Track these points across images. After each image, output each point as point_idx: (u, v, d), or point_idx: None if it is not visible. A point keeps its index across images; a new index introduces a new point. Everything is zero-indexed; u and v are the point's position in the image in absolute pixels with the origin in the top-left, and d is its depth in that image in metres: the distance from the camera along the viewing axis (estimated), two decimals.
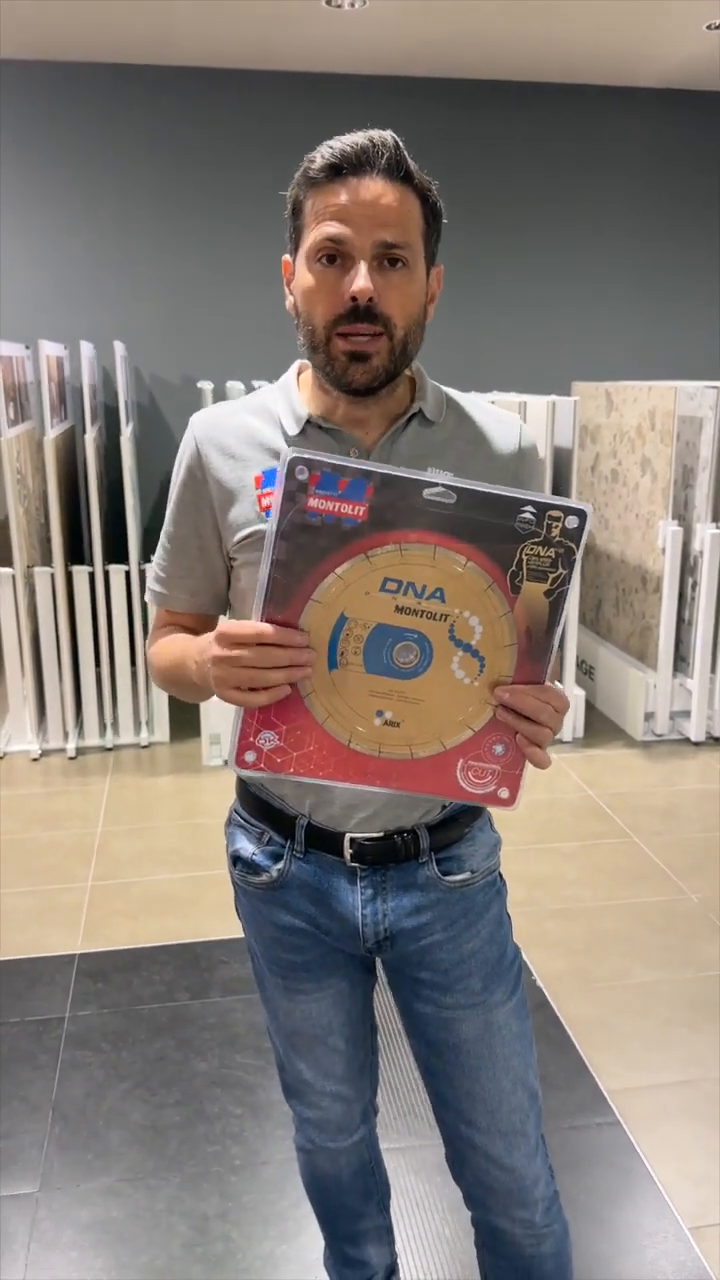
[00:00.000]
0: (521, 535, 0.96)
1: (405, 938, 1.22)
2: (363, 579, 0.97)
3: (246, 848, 1.26)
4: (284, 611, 0.98)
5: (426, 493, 0.95)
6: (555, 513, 0.95)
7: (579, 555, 0.97)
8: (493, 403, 1.23)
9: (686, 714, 4.19)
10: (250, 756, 1.01)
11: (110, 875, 3.10)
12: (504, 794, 1.04)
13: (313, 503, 0.95)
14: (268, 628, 0.97)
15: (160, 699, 4.15)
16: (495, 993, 1.23)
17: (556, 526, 0.96)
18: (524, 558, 0.97)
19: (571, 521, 0.96)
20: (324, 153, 1.03)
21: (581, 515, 0.96)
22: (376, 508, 0.96)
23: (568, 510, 0.96)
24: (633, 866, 3.14)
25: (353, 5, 3.97)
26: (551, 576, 0.98)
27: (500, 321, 5.20)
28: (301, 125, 4.80)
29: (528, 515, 0.96)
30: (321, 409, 1.14)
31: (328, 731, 1.01)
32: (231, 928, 2.76)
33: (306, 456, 0.95)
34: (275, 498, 0.95)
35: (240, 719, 1.01)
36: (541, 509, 0.95)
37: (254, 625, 0.97)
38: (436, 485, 0.95)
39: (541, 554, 0.97)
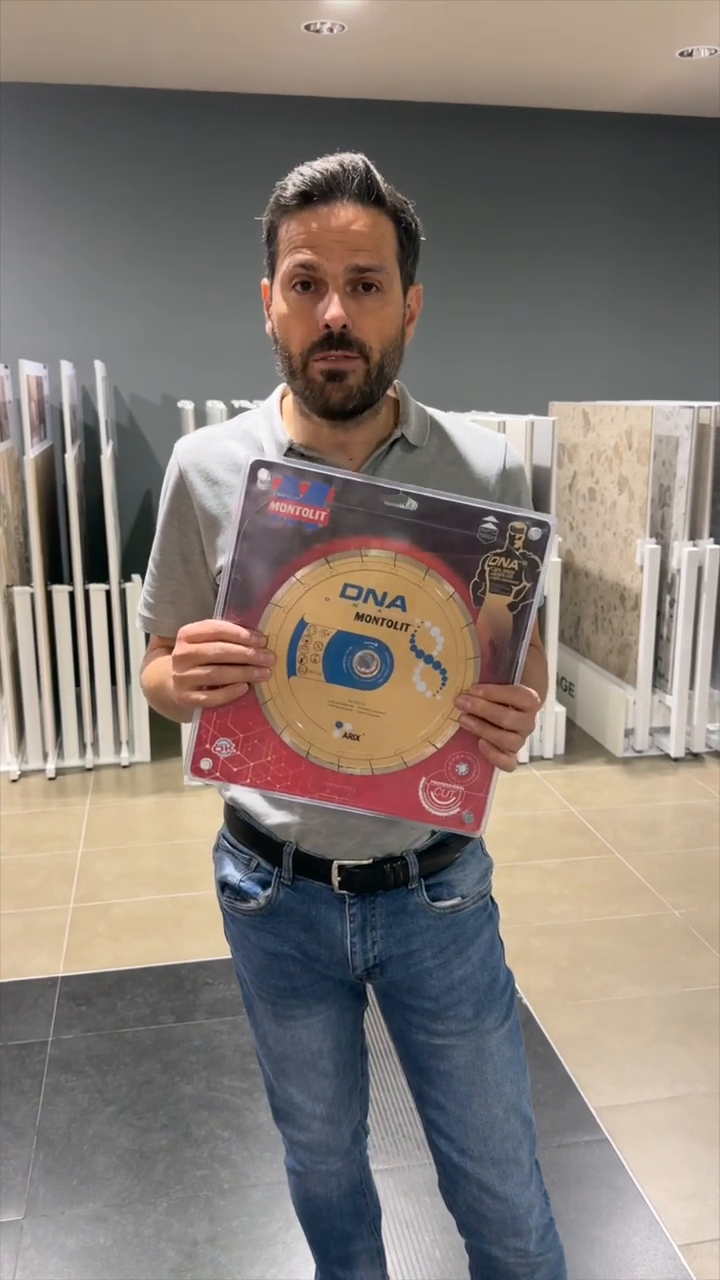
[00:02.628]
0: (484, 546, 0.96)
1: (395, 965, 1.21)
2: (323, 584, 0.97)
3: (234, 874, 1.25)
4: (244, 614, 0.98)
5: (388, 500, 0.96)
6: (518, 524, 0.95)
7: (544, 568, 0.96)
8: (473, 422, 1.24)
9: (666, 730, 4.22)
10: (206, 764, 1.00)
11: (92, 897, 3.07)
12: (468, 818, 1.01)
13: (274, 505, 0.96)
14: (227, 625, 0.97)
15: (141, 719, 4.14)
16: (487, 1019, 1.23)
17: (520, 538, 0.95)
18: (487, 569, 0.96)
19: (535, 533, 0.95)
20: (294, 179, 1.03)
21: (545, 527, 0.95)
22: (337, 513, 0.96)
23: (530, 522, 0.95)
24: (616, 882, 3.15)
25: (331, 30, 4.02)
26: (515, 589, 0.97)
27: (478, 343, 5.25)
28: (281, 148, 4.84)
29: (490, 525, 0.95)
30: (304, 435, 1.13)
31: (285, 741, 0.99)
32: (215, 949, 2.75)
33: (269, 460, 0.95)
34: (236, 500, 0.96)
35: (197, 724, 0.99)
36: (504, 520, 0.95)
37: (213, 623, 0.98)
38: (397, 492, 0.96)
39: (505, 565, 0.96)
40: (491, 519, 0.95)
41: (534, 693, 1.00)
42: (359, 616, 0.97)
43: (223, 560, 1.15)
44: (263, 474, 0.95)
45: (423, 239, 1.11)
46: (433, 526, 0.96)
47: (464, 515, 0.96)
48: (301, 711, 0.98)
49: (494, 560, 0.96)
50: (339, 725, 0.99)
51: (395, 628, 0.97)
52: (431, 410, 1.21)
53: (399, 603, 0.97)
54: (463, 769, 1.00)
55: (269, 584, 0.97)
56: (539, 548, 0.96)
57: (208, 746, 0.99)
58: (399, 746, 0.99)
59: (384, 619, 0.97)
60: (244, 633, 0.97)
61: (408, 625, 0.97)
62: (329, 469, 0.95)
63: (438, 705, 0.99)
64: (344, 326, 1.02)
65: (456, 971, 1.22)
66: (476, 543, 0.96)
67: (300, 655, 0.98)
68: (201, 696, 0.97)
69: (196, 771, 1.00)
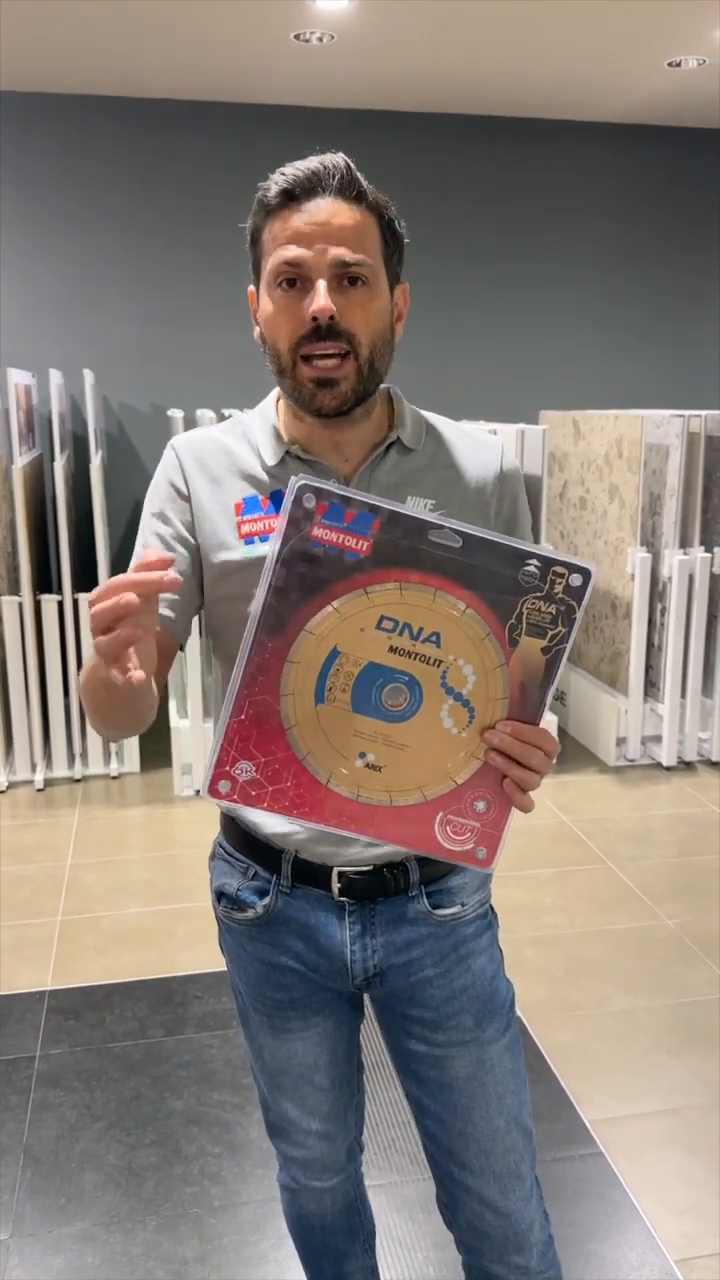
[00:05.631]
0: (524, 588, 0.95)
1: (395, 974, 1.19)
2: (359, 614, 0.96)
3: (231, 883, 1.23)
4: (277, 639, 0.97)
5: (432, 534, 0.95)
6: (559, 569, 0.95)
7: (580, 615, 0.96)
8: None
9: (658, 739, 4.21)
10: (224, 786, 0.99)
11: (81, 909, 3.04)
12: (481, 854, 1.01)
13: (317, 532, 0.94)
14: (118, 577, 0.86)
15: None
16: (488, 1029, 1.21)
17: (560, 583, 0.95)
18: (524, 611, 0.96)
19: (575, 579, 0.95)
20: (277, 180, 1.04)
21: (586, 574, 0.95)
22: (380, 544, 0.95)
23: (572, 568, 0.95)
24: (609, 892, 3.13)
25: (321, 40, 4.02)
26: (551, 633, 0.96)
27: (468, 351, 5.25)
28: (269, 157, 4.80)
29: (531, 568, 0.95)
30: (300, 437, 1.13)
31: (307, 768, 0.99)
32: (205, 962, 2.72)
33: (315, 485, 0.94)
34: (279, 523, 0.94)
35: (218, 746, 0.99)
36: (546, 564, 0.95)
37: (108, 581, 0.85)
38: (443, 528, 0.95)
39: (542, 609, 0.96)
40: (534, 562, 0.95)
41: (556, 738, 1.01)
42: (392, 649, 0.97)
43: (224, 556, 1.13)
44: (308, 499, 0.94)
45: (406, 240, 1.11)
46: (475, 565, 0.95)
47: (507, 556, 0.95)
48: (326, 740, 0.98)
49: (532, 603, 0.96)
50: (362, 755, 0.99)
51: (428, 663, 0.97)
52: (426, 413, 1.20)
53: (434, 638, 0.97)
54: (481, 806, 1.00)
55: (305, 610, 0.96)
56: (578, 594, 0.95)
57: (227, 769, 0.99)
58: (420, 780, 0.99)
59: (417, 653, 0.97)
60: (132, 576, 0.85)
61: (440, 661, 0.97)
62: (377, 498, 0.94)
63: (462, 742, 0.99)
64: (331, 318, 1.02)
65: (457, 981, 1.20)
66: (517, 584, 0.95)
67: (330, 684, 0.97)
68: (102, 643, 0.84)
69: (214, 793, 1.00)
